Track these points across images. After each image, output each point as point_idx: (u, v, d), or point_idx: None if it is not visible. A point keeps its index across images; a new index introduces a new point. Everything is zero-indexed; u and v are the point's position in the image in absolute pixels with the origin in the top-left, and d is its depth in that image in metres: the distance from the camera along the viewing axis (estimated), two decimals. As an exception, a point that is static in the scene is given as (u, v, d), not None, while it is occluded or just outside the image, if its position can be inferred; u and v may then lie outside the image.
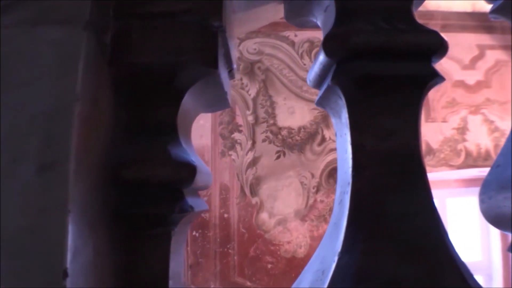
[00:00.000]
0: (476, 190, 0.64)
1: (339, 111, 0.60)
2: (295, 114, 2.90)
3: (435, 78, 0.58)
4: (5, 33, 0.47)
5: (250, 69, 2.97)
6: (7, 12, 0.47)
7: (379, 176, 0.55)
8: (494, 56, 3.00)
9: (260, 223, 2.82)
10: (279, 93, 2.93)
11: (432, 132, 2.91)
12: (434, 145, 2.90)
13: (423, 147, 2.92)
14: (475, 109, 2.94)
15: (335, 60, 0.57)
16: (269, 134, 2.89)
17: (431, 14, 2.93)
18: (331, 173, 2.84)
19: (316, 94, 0.69)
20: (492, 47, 2.99)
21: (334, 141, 2.83)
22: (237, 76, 2.95)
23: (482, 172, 2.81)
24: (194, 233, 2.77)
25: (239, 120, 2.90)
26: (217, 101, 0.64)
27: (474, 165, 2.88)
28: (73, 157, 0.43)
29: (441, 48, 0.59)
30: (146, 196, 0.52)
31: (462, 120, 2.93)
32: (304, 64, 2.95)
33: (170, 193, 0.52)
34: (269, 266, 2.76)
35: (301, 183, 2.85)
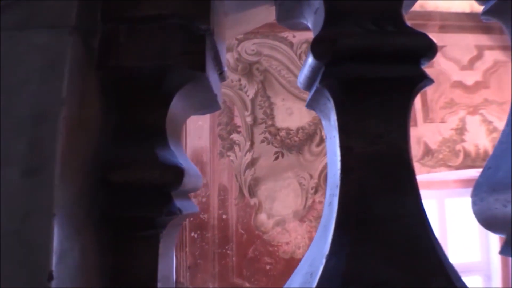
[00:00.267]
0: (475, 190, 0.64)
1: (328, 113, 0.61)
2: (293, 115, 2.90)
3: (424, 80, 0.58)
4: (-8, 38, 0.47)
5: (249, 70, 2.97)
6: (-6, 17, 0.48)
7: (367, 179, 0.55)
8: (492, 56, 3.00)
9: (259, 224, 2.82)
10: (277, 94, 2.93)
11: (430, 132, 2.91)
12: (433, 146, 2.90)
13: (422, 147, 2.93)
14: (474, 110, 2.94)
15: (324, 63, 0.57)
16: (267, 135, 2.89)
17: (429, 15, 2.93)
18: (330, 174, 2.83)
19: (315, 95, 0.69)
20: (490, 48, 2.99)
21: (332, 142, 2.82)
22: (236, 77, 2.95)
23: (481, 172, 2.79)
24: (192, 234, 2.77)
25: (238, 121, 2.90)
26: (207, 103, 0.64)
27: (473, 165, 2.88)
28: (59, 160, 0.43)
29: (429, 50, 0.59)
30: (134, 199, 0.52)
31: (460, 120, 2.93)
32: (303, 65, 2.95)
33: (158, 196, 0.53)
34: (268, 267, 2.76)
35: (300, 184, 2.85)
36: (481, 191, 0.61)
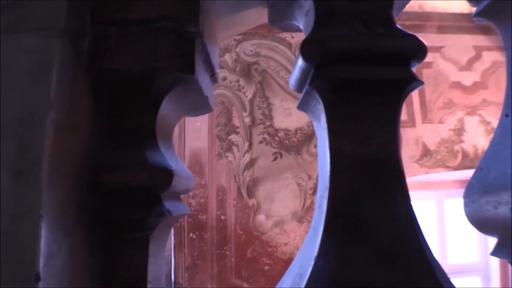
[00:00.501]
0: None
1: (318, 115, 0.61)
2: (292, 115, 2.90)
3: (413, 82, 0.58)
4: (-19, 41, 0.47)
5: (247, 71, 2.97)
6: (-17, 20, 0.48)
7: (356, 181, 0.55)
8: (490, 57, 3.00)
9: (257, 224, 2.82)
10: (276, 94, 2.93)
11: (429, 133, 2.91)
12: (431, 146, 2.90)
13: (420, 148, 2.93)
14: (472, 110, 2.94)
15: (313, 65, 0.58)
16: (266, 135, 2.90)
17: (427, 16, 2.94)
18: (328, 174, 2.83)
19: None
20: (489, 48, 2.99)
21: (330, 142, 2.82)
22: (234, 77, 2.95)
23: (479, 173, 2.79)
24: (191, 235, 2.77)
25: (236, 121, 2.90)
26: (198, 105, 0.65)
27: (471, 166, 2.88)
28: (46, 163, 0.44)
29: (419, 52, 0.59)
30: (123, 201, 0.53)
31: (459, 121, 2.93)
32: (301, 66, 2.95)
33: (147, 197, 0.53)
34: (266, 267, 2.76)
35: (298, 184, 2.85)
36: (472, 193, 0.61)
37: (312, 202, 2.82)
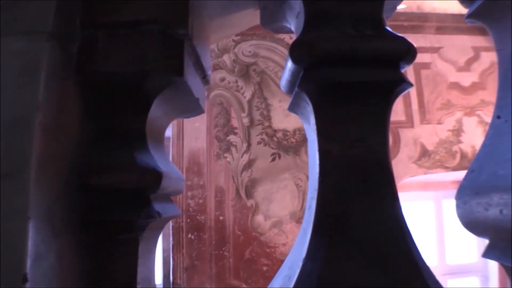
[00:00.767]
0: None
1: (308, 117, 0.61)
2: (290, 116, 2.90)
3: (403, 84, 0.58)
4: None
5: (246, 72, 2.98)
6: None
7: (345, 183, 0.55)
8: (489, 57, 3.00)
9: (256, 225, 2.82)
10: (274, 95, 2.93)
11: (427, 134, 2.90)
12: (430, 147, 2.90)
13: (419, 149, 2.92)
14: (470, 111, 2.93)
15: (302, 67, 0.58)
16: (264, 136, 2.90)
17: (426, 16, 2.93)
18: (326, 175, 2.83)
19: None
20: (487, 49, 2.99)
21: (329, 143, 2.82)
22: (233, 78, 2.96)
23: (478, 173, 2.79)
24: (189, 235, 2.77)
25: (234, 122, 2.90)
26: (189, 107, 0.65)
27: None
28: (34, 165, 0.44)
29: (408, 54, 0.59)
30: (112, 202, 0.53)
31: (457, 122, 2.93)
32: (299, 67, 2.95)
33: (136, 199, 0.53)
34: (265, 268, 2.76)
35: (297, 185, 2.85)
36: (464, 194, 0.61)
37: (311, 203, 2.82)
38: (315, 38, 0.57)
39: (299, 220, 2.82)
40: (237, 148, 2.88)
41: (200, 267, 2.76)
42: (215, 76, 2.96)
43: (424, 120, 2.92)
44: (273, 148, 2.88)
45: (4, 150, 0.45)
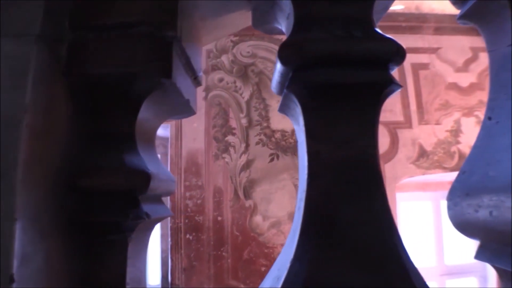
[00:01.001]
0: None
1: (297, 118, 0.61)
2: (288, 117, 2.90)
3: (391, 85, 0.58)
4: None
5: (244, 72, 2.98)
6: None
7: (333, 185, 0.55)
8: (487, 58, 2.99)
9: (254, 226, 2.83)
10: (272, 96, 2.94)
11: (425, 134, 2.91)
12: (428, 148, 2.90)
13: (417, 149, 2.92)
14: (468, 112, 2.94)
15: (291, 68, 0.58)
16: (262, 137, 2.90)
17: (424, 17, 2.94)
18: (325, 175, 2.83)
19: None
20: (485, 50, 2.98)
21: (327, 143, 2.83)
22: (231, 79, 2.96)
23: (476, 174, 2.79)
24: (188, 236, 2.77)
25: (233, 123, 2.91)
26: (180, 109, 0.65)
27: (468, 167, 2.87)
28: (21, 167, 0.44)
29: (397, 55, 0.59)
30: (101, 203, 0.53)
31: (455, 122, 2.93)
32: (298, 67, 2.95)
33: (124, 200, 0.53)
34: (263, 269, 2.77)
35: (295, 185, 2.85)
36: (455, 196, 0.61)
37: (309, 203, 2.82)
38: (303, 40, 0.57)
39: (297, 221, 2.82)
40: (236, 149, 2.88)
41: (198, 268, 2.77)
42: (213, 77, 2.96)
43: (422, 120, 2.92)
44: (271, 149, 2.88)
45: (-9, 152, 0.45)
